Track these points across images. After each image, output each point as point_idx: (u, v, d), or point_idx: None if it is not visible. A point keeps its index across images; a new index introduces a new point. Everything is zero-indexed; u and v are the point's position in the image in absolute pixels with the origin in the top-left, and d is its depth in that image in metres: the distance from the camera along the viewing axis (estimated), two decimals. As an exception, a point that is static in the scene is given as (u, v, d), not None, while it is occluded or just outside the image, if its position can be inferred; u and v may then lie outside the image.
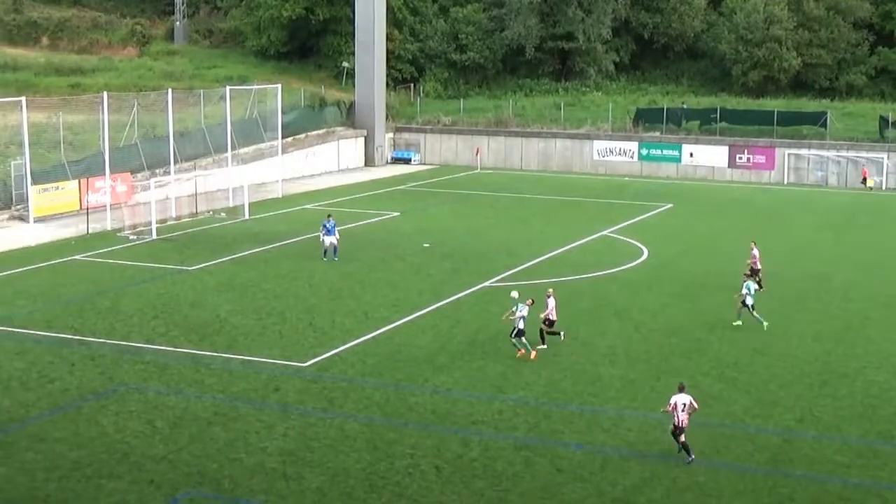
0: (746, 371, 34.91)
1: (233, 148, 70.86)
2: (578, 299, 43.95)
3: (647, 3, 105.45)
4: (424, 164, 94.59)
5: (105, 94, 62.05)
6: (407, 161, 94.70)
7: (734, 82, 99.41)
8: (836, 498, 25.49)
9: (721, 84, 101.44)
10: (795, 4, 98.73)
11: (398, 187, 79.93)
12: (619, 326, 40.09)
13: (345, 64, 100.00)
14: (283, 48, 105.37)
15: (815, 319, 41.77)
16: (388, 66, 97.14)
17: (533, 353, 35.70)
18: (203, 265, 50.21)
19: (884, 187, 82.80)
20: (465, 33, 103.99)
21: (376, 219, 64.36)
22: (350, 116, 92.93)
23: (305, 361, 35.24)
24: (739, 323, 40.16)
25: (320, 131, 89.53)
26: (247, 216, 63.38)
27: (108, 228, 59.01)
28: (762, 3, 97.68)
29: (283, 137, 77.38)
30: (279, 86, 76.23)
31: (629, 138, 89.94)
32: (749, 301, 39.88)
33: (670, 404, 27.57)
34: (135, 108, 69.35)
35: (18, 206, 60.73)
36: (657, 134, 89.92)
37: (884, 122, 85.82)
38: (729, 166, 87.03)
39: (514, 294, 36.60)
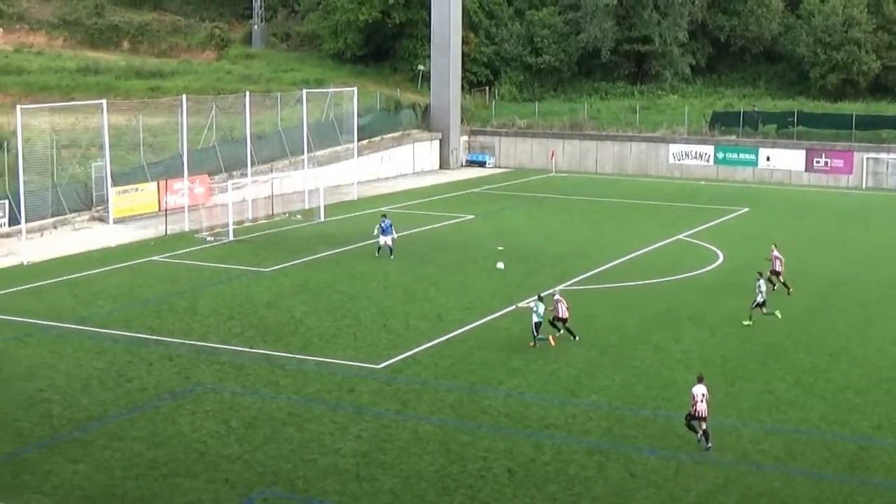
0: (822, 377, 34.45)
1: (309, 150, 71.18)
2: (653, 303, 43.63)
3: (723, 5, 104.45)
4: (499, 167, 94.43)
5: (184, 96, 62.74)
6: (482, 164, 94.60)
7: (812, 85, 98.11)
8: (915, 507, 25.09)
9: (799, 87, 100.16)
10: (875, 6, 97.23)
11: (473, 190, 79.90)
12: (694, 331, 39.74)
13: (421, 67, 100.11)
14: (359, 51, 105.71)
15: (894, 325, 41.10)
16: (464, 69, 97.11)
17: (551, 339, 37.12)
18: (279, 267, 50.53)
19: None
20: (541, 36, 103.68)
21: (451, 221, 64.37)
22: (425, 119, 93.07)
23: (379, 363, 35.32)
24: (749, 323, 40.32)
25: (396, 134, 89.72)
26: (322, 218, 63.68)
27: (186, 230, 59.62)
28: (841, 5, 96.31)
29: (358, 140, 77.54)
30: (355, 89, 76.45)
31: (705, 142, 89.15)
32: (760, 299, 40.21)
33: (693, 395, 28.15)
34: (213, 111, 69.99)
35: (99, 208, 61.49)
36: (733, 137, 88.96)
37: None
38: (806, 170, 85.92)
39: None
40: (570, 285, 46.69)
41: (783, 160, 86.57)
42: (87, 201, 61.99)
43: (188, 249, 54.79)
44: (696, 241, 58.37)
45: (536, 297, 37.82)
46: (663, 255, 54.58)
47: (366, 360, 35.67)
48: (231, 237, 57.39)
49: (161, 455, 27.39)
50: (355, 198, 73.01)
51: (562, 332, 37.82)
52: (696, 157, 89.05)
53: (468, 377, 34.02)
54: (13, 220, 55.67)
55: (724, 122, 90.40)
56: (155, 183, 63.36)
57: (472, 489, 25.63)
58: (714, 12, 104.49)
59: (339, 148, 79.50)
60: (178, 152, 63.98)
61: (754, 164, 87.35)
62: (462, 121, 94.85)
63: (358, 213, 66.56)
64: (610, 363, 35.49)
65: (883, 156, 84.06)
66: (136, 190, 62.41)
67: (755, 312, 40.45)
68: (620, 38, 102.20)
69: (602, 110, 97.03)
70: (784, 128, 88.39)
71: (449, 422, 29.99)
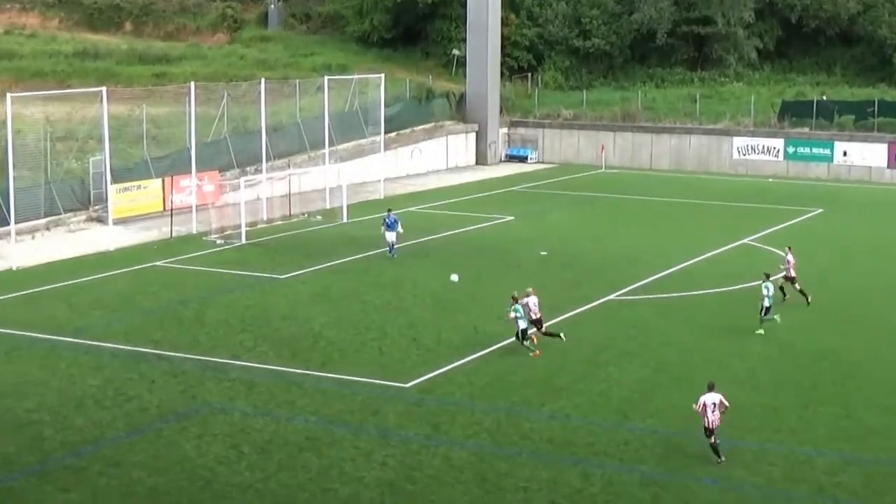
0: (908, 400, 34.14)
1: (330, 144, 71.31)
2: (715, 316, 43.35)
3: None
4: (542, 162, 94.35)
5: (192, 84, 62.88)
6: (523, 159, 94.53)
7: (895, 71, 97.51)
8: None
9: (879, 73, 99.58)
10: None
11: (512, 188, 79.82)
12: (761, 348, 39.44)
13: (455, 51, 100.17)
14: (386, 34, 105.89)
15: None
16: (503, 54, 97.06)
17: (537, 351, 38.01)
18: (296, 273, 50.55)
19: None
20: (589, 17, 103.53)
21: (488, 223, 64.28)
22: (460, 109, 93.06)
23: (407, 382, 35.22)
24: (762, 332, 40.57)
25: (427, 126, 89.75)
26: (345, 219, 63.73)
27: (194, 232, 59.81)
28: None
29: (385, 132, 77.70)
30: (382, 75, 76.56)
31: (773, 135, 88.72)
32: (766, 303, 40.78)
33: (699, 404, 28.71)
34: (224, 100, 70.18)
35: (97, 207, 61.70)
36: (806, 130, 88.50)
37: None
38: (888, 166, 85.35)
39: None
40: (621, 295, 46.49)
41: (862, 155, 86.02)
42: (84, 200, 62.20)
43: (196, 254, 54.94)
44: (762, 246, 58.02)
45: (514, 301, 38.35)
46: (725, 262, 54.28)
47: (392, 378, 35.57)
48: (243, 240, 57.50)
49: (163, 483, 27.33)
50: (381, 196, 73.05)
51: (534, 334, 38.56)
52: (763, 152, 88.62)
53: (507, 398, 33.86)
54: (1, 221, 55.82)
55: (794, 112, 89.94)
56: (159, 180, 63.54)
57: (512, 524, 25.51)
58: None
59: (364, 141, 79.62)
60: (186, 146, 64.17)
61: (829, 159, 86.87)
62: (501, 111, 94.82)
63: (384, 215, 66.45)
64: (666, 383, 35.24)
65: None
66: (139, 188, 62.58)
67: (766, 319, 41.00)
68: (678, 19, 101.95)
69: (658, 99, 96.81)
70: (863, 119, 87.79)
71: (485, 448, 29.84)
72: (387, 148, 79.21)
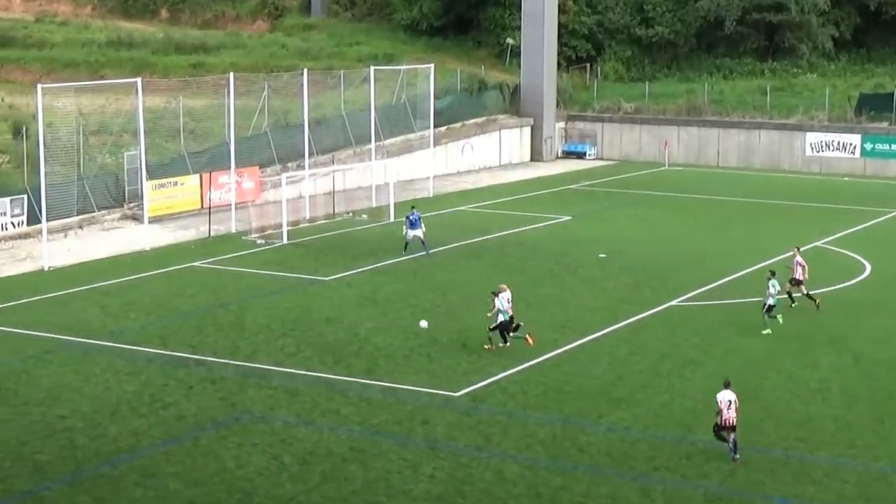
0: None
1: (377, 139, 71.56)
2: (785, 323, 43.18)
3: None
4: (601, 158, 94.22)
5: (231, 75, 63.33)
6: (581, 155, 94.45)
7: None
8: None
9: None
10: None
11: (569, 186, 79.82)
12: (833, 357, 39.35)
13: (509, 40, 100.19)
14: (436, 22, 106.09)
15: None
16: (560, 43, 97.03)
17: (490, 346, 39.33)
18: (340, 275, 50.84)
19: None
20: (653, 3, 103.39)
21: (543, 224, 64.34)
22: (514, 102, 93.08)
23: (457, 390, 35.37)
24: (769, 332, 41.18)
25: (479, 119, 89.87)
26: (392, 219, 63.83)
27: (233, 231, 60.21)
28: None
29: (435, 126, 77.83)
30: (432, 66, 76.67)
31: (850, 130, 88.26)
32: (770, 301, 41.46)
33: (718, 402, 29.97)
34: (265, 92, 70.52)
35: (132, 204, 62.22)
36: (885, 125, 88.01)
37: None
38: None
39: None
40: (684, 300, 46.48)
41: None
42: (119, 197, 62.74)
43: (235, 254, 55.32)
44: (837, 249, 57.81)
45: (494, 295, 39.27)
46: (798, 266, 54.12)
47: (442, 386, 35.74)
48: (285, 240, 57.81)
49: (200, 495, 27.60)
50: (430, 195, 73.22)
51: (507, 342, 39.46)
52: (838, 149, 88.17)
53: (562, 408, 33.96)
54: (33, 219, 56.51)
55: (873, 105, 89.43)
56: (197, 176, 64.01)
57: (567, 541, 25.66)
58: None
59: (412, 136, 79.83)
60: (225, 140, 64.61)
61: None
62: (558, 104, 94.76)
63: (434, 213, 66.64)
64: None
65: None
66: (175, 184, 63.05)
67: (770, 317, 41.76)
68: (748, 6, 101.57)
69: (725, 92, 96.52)
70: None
71: (539, 461, 29.95)
72: (436, 143, 79.37)
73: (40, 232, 53.70)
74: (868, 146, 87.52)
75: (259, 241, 57.92)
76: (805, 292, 45.31)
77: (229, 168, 62.84)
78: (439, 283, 49.39)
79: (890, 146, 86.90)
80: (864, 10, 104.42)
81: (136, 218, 60.67)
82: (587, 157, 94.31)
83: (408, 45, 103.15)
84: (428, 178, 75.31)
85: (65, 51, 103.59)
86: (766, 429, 32.41)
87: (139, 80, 57.35)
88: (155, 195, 60.81)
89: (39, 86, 53.31)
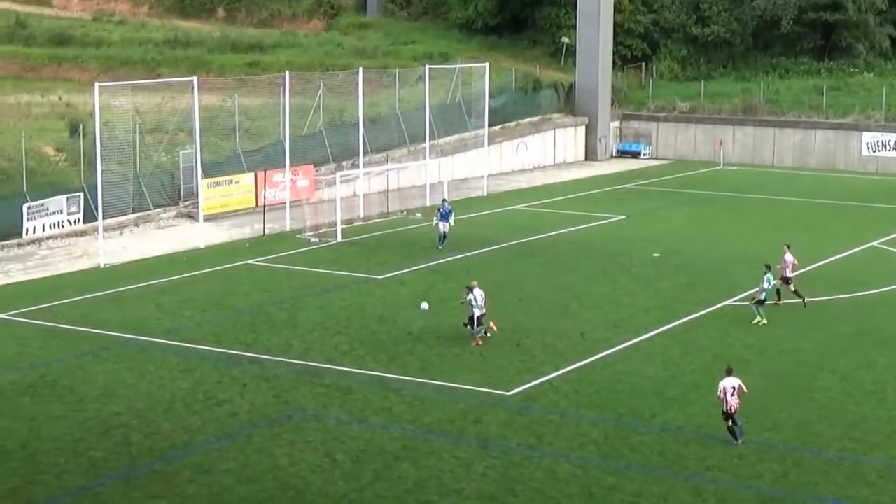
0: None
1: (431, 137, 71.66)
2: (839, 323, 43.00)
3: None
4: (656, 158, 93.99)
5: (287, 73, 63.61)
6: (636, 155, 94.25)
7: None
8: None
9: None
10: None
11: (624, 186, 79.66)
12: (888, 358, 39.06)
13: (564, 39, 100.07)
14: (491, 20, 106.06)
15: None
16: (616, 42, 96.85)
17: (492, 324, 40.49)
18: (394, 273, 50.95)
19: None
20: (709, 2, 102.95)
21: (597, 223, 64.23)
22: (569, 101, 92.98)
23: (510, 389, 35.36)
24: (765, 322, 42.32)
25: (534, 119, 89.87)
26: (446, 217, 63.97)
27: (287, 229, 60.44)
28: None
29: (490, 125, 77.86)
30: (487, 65, 76.72)
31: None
32: (762, 296, 42.45)
33: (720, 389, 30.72)
34: (320, 91, 70.73)
35: (187, 203, 62.60)
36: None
37: None
38: None
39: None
40: (739, 300, 46.26)
41: None
42: (174, 195, 63.15)
43: (289, 252, 55.54)
44: (892, 250, 57.39)
45: (468, 290, 39.95)
46: (852, 266, 53.84)
47: (494, 385, 35.73)
48: (339, 238, 57.99)
49: (254, 492, 27.75)
50: (485, 193, 73.27)
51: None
52: (895, 149, 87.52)
53: (615, 408, 33.91)
54: (89, 217, 56.95)
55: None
56: (252, 174, 64.33)
57: (618, 541, 25.62)
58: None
59: (466, 135, 79.89)
60: (280, 139, 64.89)
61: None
62: (613, 104, 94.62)
63: (489, 212, 66.77)
64: (785, 395, 35.06)
65: None
66: (231, 182, 63.40)
67: (761, 308, 42.77)
68: (805, 5, 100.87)
69: (781, 91, 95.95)
70: None
71: (592, 461, 29.92)
72: (491, 142, 79.41)
73: (96, 229, 54.18)
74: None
75: (313, 240, 58.09)
76: (794, 290, 45.65)
77: (284, 166, 63.08)
78: (492, 282, 49.13)
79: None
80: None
81: (192, 216, 61.04)
82: (642, 156, 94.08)
83: (463, 44, 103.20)
84: (482, 176, 75.34)
85: (122, 49, 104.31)
86: (820, 429, 32.24)
87: (195, 78, 57.68)
88: (210, 193, 61.14)
89: (96, 84, 53.75)
